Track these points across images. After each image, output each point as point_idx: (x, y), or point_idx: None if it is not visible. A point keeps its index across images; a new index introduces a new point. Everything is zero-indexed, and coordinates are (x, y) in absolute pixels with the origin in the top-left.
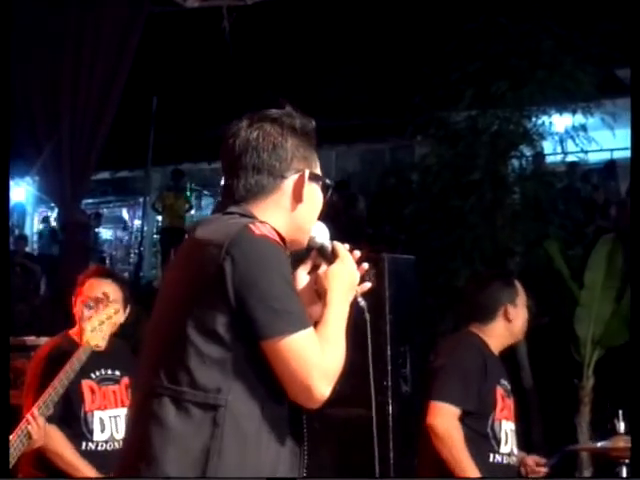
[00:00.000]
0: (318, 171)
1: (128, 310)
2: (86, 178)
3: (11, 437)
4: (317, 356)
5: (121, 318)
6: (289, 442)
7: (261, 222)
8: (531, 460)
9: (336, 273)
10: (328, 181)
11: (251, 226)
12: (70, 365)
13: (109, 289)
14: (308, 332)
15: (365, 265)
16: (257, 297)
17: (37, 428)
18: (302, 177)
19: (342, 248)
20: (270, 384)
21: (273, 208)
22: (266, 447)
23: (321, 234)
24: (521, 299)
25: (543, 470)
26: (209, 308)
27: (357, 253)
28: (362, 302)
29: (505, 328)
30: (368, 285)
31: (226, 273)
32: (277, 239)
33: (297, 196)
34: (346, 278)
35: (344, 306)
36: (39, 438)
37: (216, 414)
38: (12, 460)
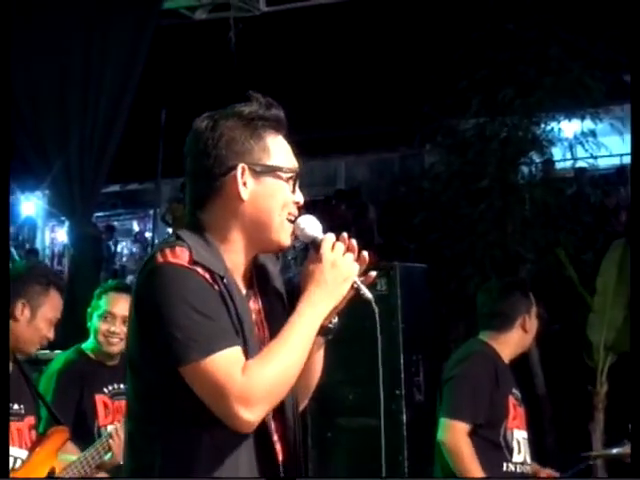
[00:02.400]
0: (274, 159)
1: None
2: (96, 191)
3: (88, 451)
4: (232, 380)
5: None
6: (249, 465)
7: (172, 246)
8: (545, 474)
9: (311, 273)
10: (286, 166)
11: (158, 254)
12: None
13: (127, 305)
14: (220, 355)
15: (365, 253)
16: (160, 328)
17: (119, 442)
18: (234, 175)
19: (327, 241)
20: (202, 408)
21: (220, 213)
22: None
23: (311, 227)
24: (534, 310)
25: None
26: (134, 339)
27: (353, 242)
28: (367, 294)
29: (520, 338)
30: (373, 274)
31: (134, 307)
32: (184, 263)
33: (236, 195)
34: (325, 277)
35: (316, 311)
36: (119, 452)
37: (155, 446)
38: (83, 472)
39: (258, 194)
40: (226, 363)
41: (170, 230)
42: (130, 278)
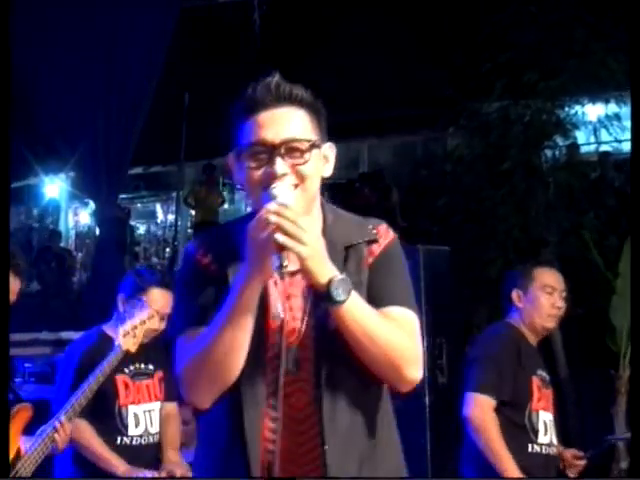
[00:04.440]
0: (252, 136)
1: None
2: (122, 173)
3: (35, 441)
4: (175, 363)
5: (156, 323)
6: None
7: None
8: (569, 454)
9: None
10: (240, 146)
11: None
12: (101, 370)
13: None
14: (180, 336)
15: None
16: None
17: (64, 436)
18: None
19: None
20: None
21: None
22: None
23: (282, 196)
24: (537, 285)
25: (582, 463)
26: None
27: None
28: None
29: (522, 315)
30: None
31: None
32: (191, 250)
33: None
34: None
35: (236, 293)
36: (63, 446)
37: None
38: (33, 464)
39: (243, 174)
40: (181, 341)
41: (193, 212)
42: (154, 261)
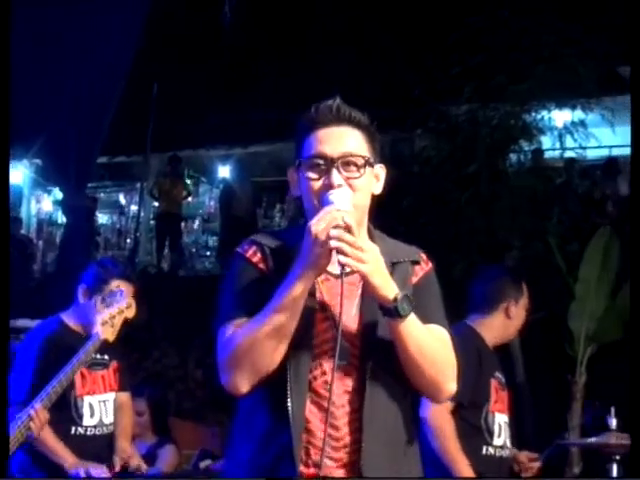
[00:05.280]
0: (312, 150)
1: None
2: (92, 163)
3: (11, 429)
4: (219, 349)
5: (132, 313)
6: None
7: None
8: (523, 457)
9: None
10: (301, 158)
11: None
12: (78, 358)
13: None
14: (225, 325)
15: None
16: None
17: (39, 423)
18: (290, 171)
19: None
20: None
21: None
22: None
23: (339, 201)
24: (524, 301)
25: (536, 465)
26: None
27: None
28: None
29: (502, 323)
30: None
31: None
32: (242, 249)
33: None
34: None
35: (290, 285)
36: (38, 433)
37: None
38: (9, 452)
39: (302, 187)
40: (221, 334)
41: (156, 203)
42: (111, 252)
